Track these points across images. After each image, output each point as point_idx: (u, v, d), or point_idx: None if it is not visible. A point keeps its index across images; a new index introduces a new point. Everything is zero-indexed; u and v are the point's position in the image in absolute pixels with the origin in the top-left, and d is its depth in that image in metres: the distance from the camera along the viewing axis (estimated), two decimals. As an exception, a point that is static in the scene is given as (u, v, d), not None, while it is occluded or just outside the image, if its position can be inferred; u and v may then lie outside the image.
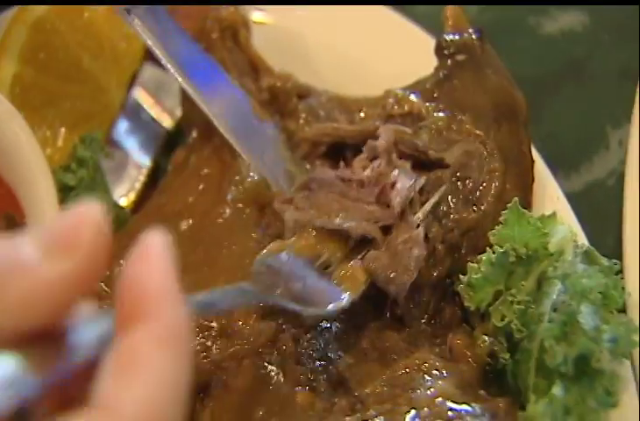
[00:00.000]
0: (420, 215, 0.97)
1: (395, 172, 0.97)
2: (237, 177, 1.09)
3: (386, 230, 0.94)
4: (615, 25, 1.39)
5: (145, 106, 1.24)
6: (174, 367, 0.51)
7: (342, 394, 0.90)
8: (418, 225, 0.95)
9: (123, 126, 1.21)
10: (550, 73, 1.35)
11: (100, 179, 1.12)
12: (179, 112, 1.21)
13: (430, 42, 1.13)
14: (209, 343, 0.94)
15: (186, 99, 1.14)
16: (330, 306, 0.87)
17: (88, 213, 0.54)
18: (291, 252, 0.90)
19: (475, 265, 0.96)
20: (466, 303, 0.96)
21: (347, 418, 0.85)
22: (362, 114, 1.12)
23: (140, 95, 1.24)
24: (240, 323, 0.94)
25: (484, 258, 0.96)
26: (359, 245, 0.93)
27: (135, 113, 1.22)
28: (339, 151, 1.10)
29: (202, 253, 1.03)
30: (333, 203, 0.94)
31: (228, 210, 1.06)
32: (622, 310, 0.94)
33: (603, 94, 1.33)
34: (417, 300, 0.98)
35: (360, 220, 0.93)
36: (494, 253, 0.95)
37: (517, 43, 1.37)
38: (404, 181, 0.96)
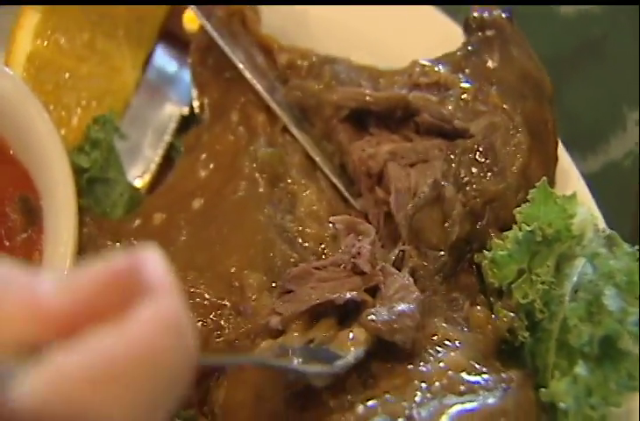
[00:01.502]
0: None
1: (357, 240, 0.95)
2: (250, 150, 1.09)
3: (372, 292, 0.92)
4: (632, 6, 1.37)
5: (159, 87, 1.23)
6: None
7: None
8: (405, 274, 0.94)
9: (138, 107, 1.20)
10: (567, 53, 1.34)
11: (114, 160, 1.11)
12: (193, 93, 1.20)
13: (454, 28, 1.13)
14: (222, 322, 0.94)
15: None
16: (338, 363, 0.83)
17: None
18: (283, 346, 0.86)
19: (501, 242, 0.96)
20: (490, 279, 0.96)
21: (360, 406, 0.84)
22: (387, 82, 1.11)
23: (155, 75, 1.23)
24: (253, 298, 0.95)
25: (510, 235, 0.95)
26: (349, 316, 0.90)
27: (150, 93, 1.21)
28: (361, 117, 1.10)
29: (215, 231, 1.03)
30: (314, 291, 0.92)
31: (241, 186, 1.06)
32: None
33: (620, 75, 1.32)
34: (433, 257, 0.98)
35: (343, 291, 0.91)
36: (520, 230, 0.94)
37: (535, 24, 1.34)
38: (365, 243, 0.93)
